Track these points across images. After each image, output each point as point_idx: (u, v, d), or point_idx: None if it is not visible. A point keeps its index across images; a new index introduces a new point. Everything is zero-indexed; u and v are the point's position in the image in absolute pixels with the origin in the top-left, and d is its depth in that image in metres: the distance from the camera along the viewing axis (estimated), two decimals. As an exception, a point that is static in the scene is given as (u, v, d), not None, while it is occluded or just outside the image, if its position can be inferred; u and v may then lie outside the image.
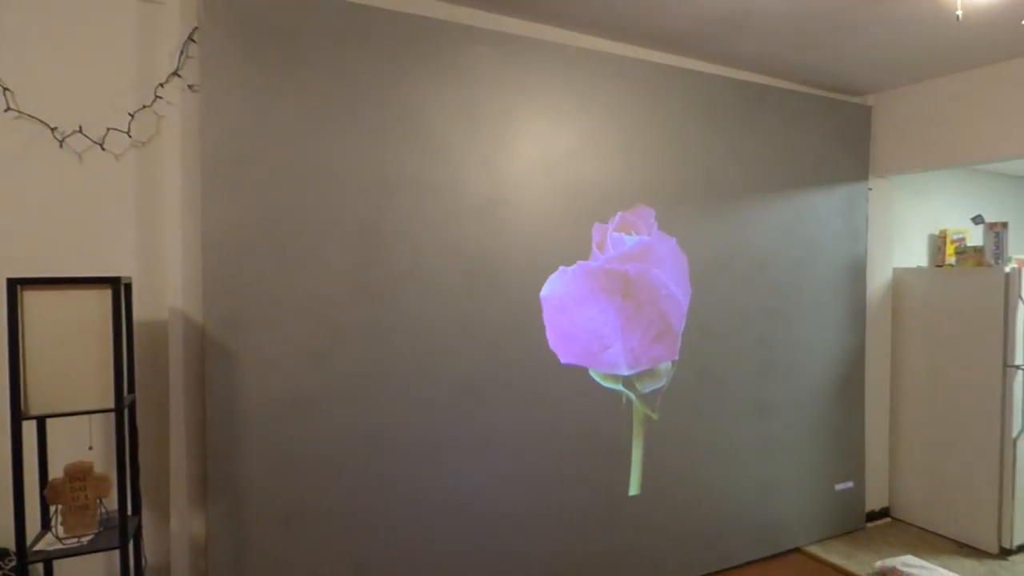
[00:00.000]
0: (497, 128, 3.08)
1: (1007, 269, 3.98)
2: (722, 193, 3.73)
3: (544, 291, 3.18)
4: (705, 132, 3.67)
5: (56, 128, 2.42)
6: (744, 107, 3.81)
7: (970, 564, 3.90)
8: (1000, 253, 4.19)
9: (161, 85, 2.57)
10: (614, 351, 3.35)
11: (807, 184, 4.07)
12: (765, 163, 3.89)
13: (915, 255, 4.84)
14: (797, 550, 4.09)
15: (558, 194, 3.23)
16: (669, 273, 3.55)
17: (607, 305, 3.31)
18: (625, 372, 3.40)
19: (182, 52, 2.59)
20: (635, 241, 3.42)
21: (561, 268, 3.22)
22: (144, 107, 2.55)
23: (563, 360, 3.25)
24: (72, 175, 2.46)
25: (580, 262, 3.27)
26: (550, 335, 3.21)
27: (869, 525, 4.50)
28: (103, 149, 2.50)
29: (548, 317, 3.20)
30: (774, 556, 4.00)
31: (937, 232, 4.90)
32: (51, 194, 2.43)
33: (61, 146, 2.43)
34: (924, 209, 4.87)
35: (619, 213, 3.40)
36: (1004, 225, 4.21)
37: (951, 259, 4.72)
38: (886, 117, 4.39)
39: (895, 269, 4.64)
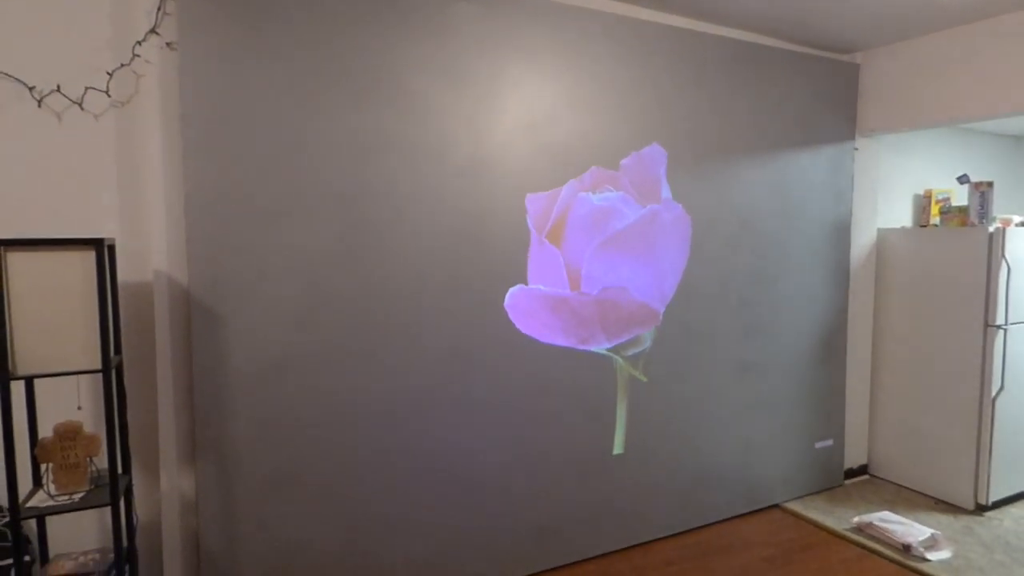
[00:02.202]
0: (480, 87, 3.05)
1: (991, 229, 4.00)
2: (707, 152, 3.72)
3: (507, 302, 3.17)
4: (690, 90, 3.64)
5: (34, 87, 2.39)
6: (730, 65, 3.78)
7: (946, 520, 4.00)
8: (985, 213, 4.21)
9: (139, 43, 2.53)
10: (595, 340, 3.40)
11: (792, 143, 4.06)
12: (750, 122, 3.87)
13: (900, 215, 4.86)
14: (776, 506, 4.18)
15: (542, 154, 3.21)
16: (670, 239, 3.58)
17: (579, 308, 3.32)
18: (607, 346, 3.45)
19: (159, 9, 2.54)
20: (639, 214, 3.42)
21: (519, 286, 3.18)
22: (122, 66, 2.52)
23: (543, 341, 3.29)
24: (51, 135, 2.44)
25: (542, 288, 3.22)
26: (523, 329, 3.22)
27: (847, 482, 4.60)
28: (82, 109, 2.47)
29: (517, 319, 3.20)
30: (754, 512, 4.09)
31: (922, 192, 4.91)
32: (30, 154, 2.41)
33: (39, 105, 2.41)
34: (909, 169, 4.88)
35: (592, 168, 3.35)
36: (989, 185, 4.22)
37: (935, 219, 4.75)
38: (874, 75, 4.36)
39: (879, 229, 4.66)
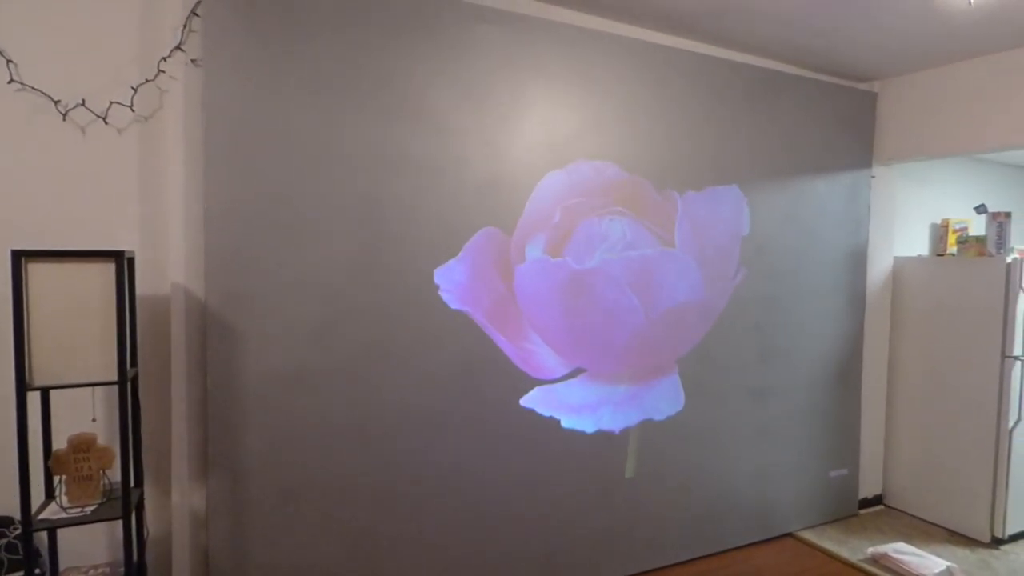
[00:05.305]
0: (501, 108, 3.07)
1: (1009, 259, 3.97)
2: (724, 177, 3.71)
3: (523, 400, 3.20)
4: (709, 116, 3.65)
5: (59, 101, 2.42)
6: (749, 91, 3.78)
7: (962, 552, 3.93)
8: (1002, 243, 4.18)
9: (164, 59, 2.56)
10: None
11: (809, 170, 4.06)
12: (768, 148, 3.87)
13: (916, 244, 4.83)
14: (790, 535, 4.12)
15: (559, 175, 3.21)
16: (721, 308, 3.72)
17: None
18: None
19: (185, 26, 2.58)
20: (710, 292, 3.43)
21: (523, 397, 3.20)
22: (147, 81, 2.55)
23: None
24: (75, 148, 2.46)
25: (541, 387, 3.24)
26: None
27: (862, 512, 4.54)
28: (106, 123, 2.50)
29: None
30: (767, 540, 4.03)
31: (939, 221, 4.89)
32: (54, 167, 2.44)
33: (64, 119, 2.43)
34: (926, 198, 4.86)
35: (579, 160, 3.28)
36: (1007, 215, 4.20)
37: (952, 248, 4.72)
38: (892, 104, 4.37)
39: (896, 258, 4.63)
